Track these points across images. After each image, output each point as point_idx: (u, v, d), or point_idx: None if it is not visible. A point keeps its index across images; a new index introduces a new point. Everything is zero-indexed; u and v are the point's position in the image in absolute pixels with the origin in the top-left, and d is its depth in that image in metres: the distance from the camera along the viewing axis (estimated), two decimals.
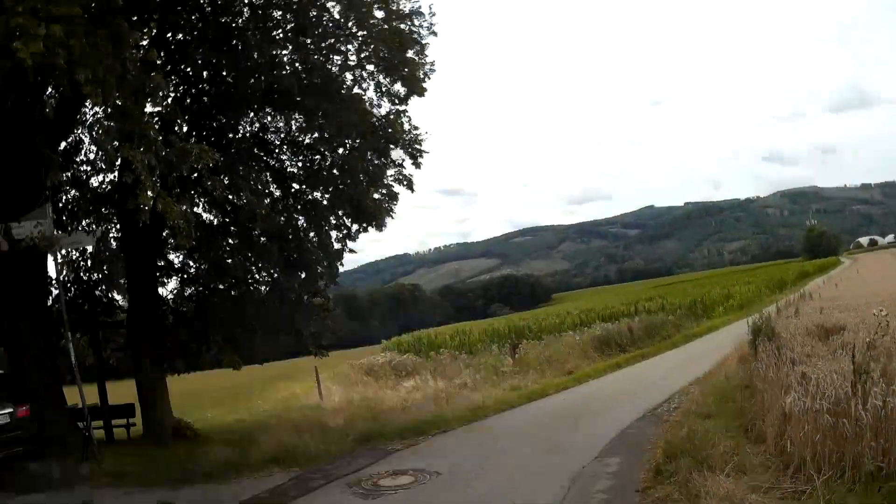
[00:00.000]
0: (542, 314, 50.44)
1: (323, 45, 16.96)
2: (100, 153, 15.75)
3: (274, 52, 16.29)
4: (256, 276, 18.02)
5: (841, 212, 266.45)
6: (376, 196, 17.93)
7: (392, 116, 17.77)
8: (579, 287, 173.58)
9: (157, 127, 11.69)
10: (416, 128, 18.02)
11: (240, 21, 16.53)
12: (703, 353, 21.42)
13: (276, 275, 17.55)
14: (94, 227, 16.58)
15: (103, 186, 16.93)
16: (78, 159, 16.81)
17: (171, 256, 17.71)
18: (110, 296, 17.34)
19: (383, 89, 17.73)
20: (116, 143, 10.86)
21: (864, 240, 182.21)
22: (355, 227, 18.17)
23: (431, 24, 17.50)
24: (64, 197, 16.44)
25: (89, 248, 16.50)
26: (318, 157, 18.06)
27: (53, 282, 14.68)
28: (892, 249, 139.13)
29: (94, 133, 14.97)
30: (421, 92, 17.59)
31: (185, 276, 17.89)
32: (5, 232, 11.69)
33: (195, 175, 14.83)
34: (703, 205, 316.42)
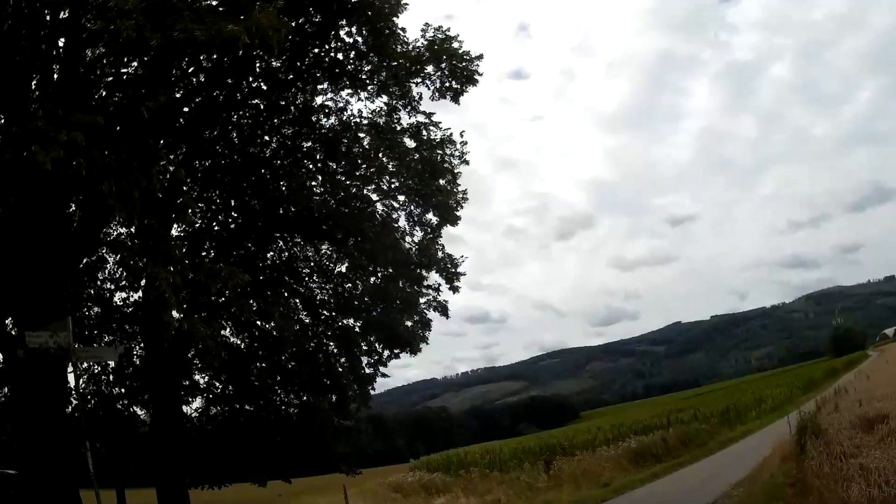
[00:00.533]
0: (571, 431, 49.14)
1: (354, 175, 17.14)
2: (123, 272, 15.59)
3: (304, 182, 16.70)
4: (284, 398, 17.88)
5: (865, 307, 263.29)
6: (408, 323, 17.73)
7: (426, 243, 17.77)
8: (607, 404, 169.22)
9: (184, 248, 11.90)
10: (450, 254, 17.95)
11: (268, 151, 17.07)
12: (743, 456, 20.68)
13: (305, 397, 17.44)
14: (116, 342, 16.35)
15: (127, 303, 16.79)
16: (101, 276, 16.65)
17: (197, 377, 17.52)
18: (132, 409, 17.13)
19: (415, 218, 17.79)
20: (142, 262, 10.97)
21: (889, 331, 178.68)
22: (387, 352, 17.94)
23: (463, 152, 17.60)
24: (87, 311, 16.33)
25: (111, 363, 16.38)
26: (349, 284, 18.01)
27: (73, 392, 14.48)
28: None
29: (119, 253, 15.20)
30: (454, 221, 17.56)
31: (211, 395, 17.65)
32: (20, 339, 11.70)
33: (223, 298, 14.95)
34: (729, 316, 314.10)
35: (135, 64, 10.42)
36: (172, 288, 10.18)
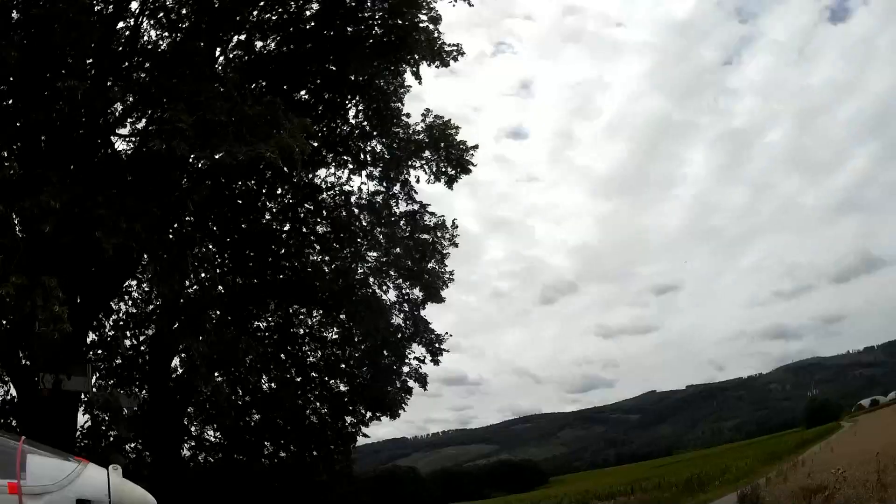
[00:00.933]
0: (539, 495, 49.68)
1: (350, 249, 18.24)
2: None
3: (302, 249, 17.96)
4: (275, 451, 18.93)
5: (843, 378, 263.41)
6: (391, 389, 18.69)
7: (413, 319, 18.89)
8: (578, 470, 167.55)
9: (214, 321, 13.11)
10: (435, 331, 18.95)
11: (269, 216, 18.35)
12: None
13: (292, 449, 18.51)
14: (135, 391, 17.07)
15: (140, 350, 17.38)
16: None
17: (193, 428, 18.55)
18: (139, 449, 17.75)
19: (404, 295, 18.83)
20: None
21: (865, 402, 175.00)
22: (369, 414, 18.92)
23: (453, 235, 18.69)
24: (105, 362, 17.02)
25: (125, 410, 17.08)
26: (339, 351, 19.08)
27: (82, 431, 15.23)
28: (893, 406, 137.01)
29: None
30: (439, 299, 18.61)
31: (206, 443, 18.62)
32: (54, 382, 12.41)
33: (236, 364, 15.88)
34: (705, 387, 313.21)
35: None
36: (202, 357, 11.40)
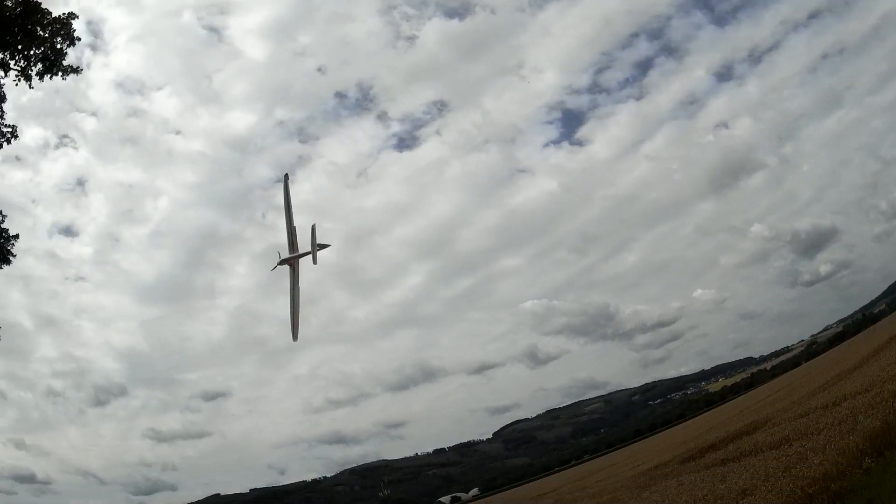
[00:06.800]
0: None
1: None
2: None
3: None
4: None
5: (416, 478, 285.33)
6: None
7: None
8: None
9: None
10: None
11: None
12: None
13: None
14: None
15: None
16: None
17: None
18: None
19: None
20: None
21: (446, 499, 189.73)
22: None
23: None
24: None
25: None
26: None
27: None
28: (476, 501, 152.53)
29: None
30: None
31: None
32: None
33: None
34: (270, 489, 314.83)
35: None
36: None
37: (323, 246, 23.91)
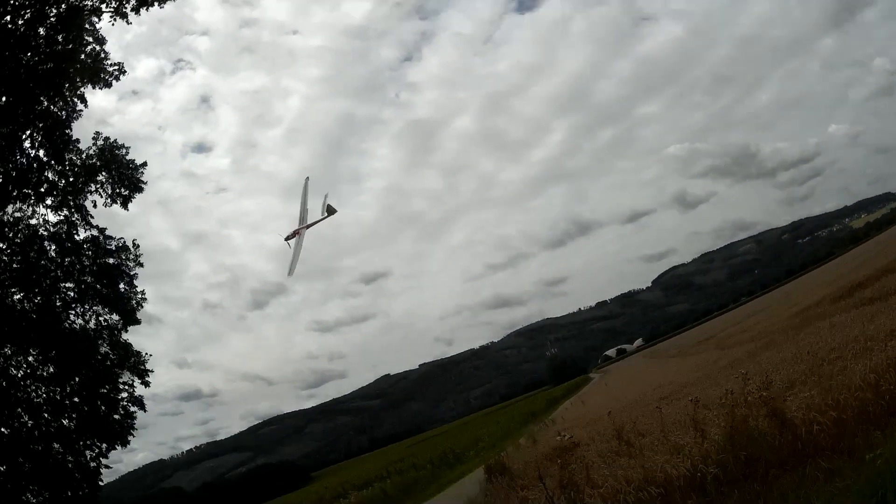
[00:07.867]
0: (303, 494, 48.39)
1: (46, 282, 17.95)
2: None
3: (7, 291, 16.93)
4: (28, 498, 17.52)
5: (580, 334, 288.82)
6: (116, 417, 18.81)
7: (117, 346, 18.98)
8: (335, 462, 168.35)
9: None
10: (138, 353, 19.31)
11: None
12: (456, 497, 21.77)
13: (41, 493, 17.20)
14: None
15: None
16: None
17: None
18: None
19: (102, 322, 18.85)
20: None
21: (611, 351, 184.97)
22: (105, 445, 18.72)
23: (137, 255, 19.07)
24: None
25: None
26: (58, 387, 18.39)
27: None
28: (642, 352, 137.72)
29: None
30: (135, 321, 19.00)
31: None
32: None
33: None
34: (438, 363, 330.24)
35: None
36: None
37: (331, 212, 24.11)
